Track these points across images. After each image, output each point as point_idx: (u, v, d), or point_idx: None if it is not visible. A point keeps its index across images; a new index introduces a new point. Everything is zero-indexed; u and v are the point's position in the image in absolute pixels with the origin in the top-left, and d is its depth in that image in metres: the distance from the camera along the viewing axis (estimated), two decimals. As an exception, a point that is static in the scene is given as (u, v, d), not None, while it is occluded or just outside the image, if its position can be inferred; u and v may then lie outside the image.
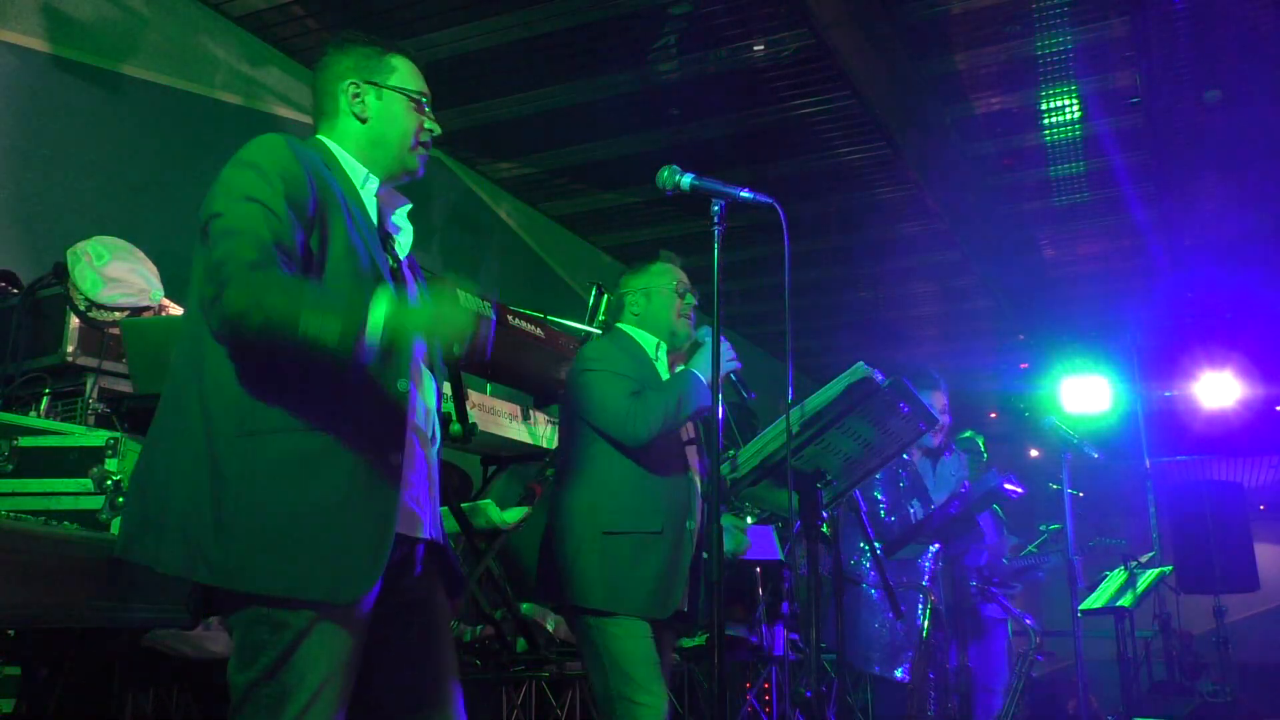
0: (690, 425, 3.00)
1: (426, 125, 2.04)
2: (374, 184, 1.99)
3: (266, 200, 1.76)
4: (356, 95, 2.00)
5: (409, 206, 2.09)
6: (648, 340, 3.02)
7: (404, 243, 2.06)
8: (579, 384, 2.91)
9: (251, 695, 1.72)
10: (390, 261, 1.95)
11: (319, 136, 2.03)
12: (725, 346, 2.83)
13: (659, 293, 3.03)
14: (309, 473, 1.73)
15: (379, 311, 1.68)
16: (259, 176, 1.80)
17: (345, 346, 1.66)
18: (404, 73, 2.03)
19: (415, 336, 1.79)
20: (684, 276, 3.08)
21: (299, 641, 1.70)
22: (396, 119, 2.01)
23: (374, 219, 1.96)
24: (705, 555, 2.77)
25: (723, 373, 2.82)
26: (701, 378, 2.82)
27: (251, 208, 1.75)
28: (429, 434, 1.96)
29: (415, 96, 2.02)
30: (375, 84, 2.00)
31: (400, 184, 2.08)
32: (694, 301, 3.06)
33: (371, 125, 2.00)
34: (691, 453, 2.97)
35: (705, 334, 2.98)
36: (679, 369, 2.97)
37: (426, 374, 1.98)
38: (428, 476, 1.94)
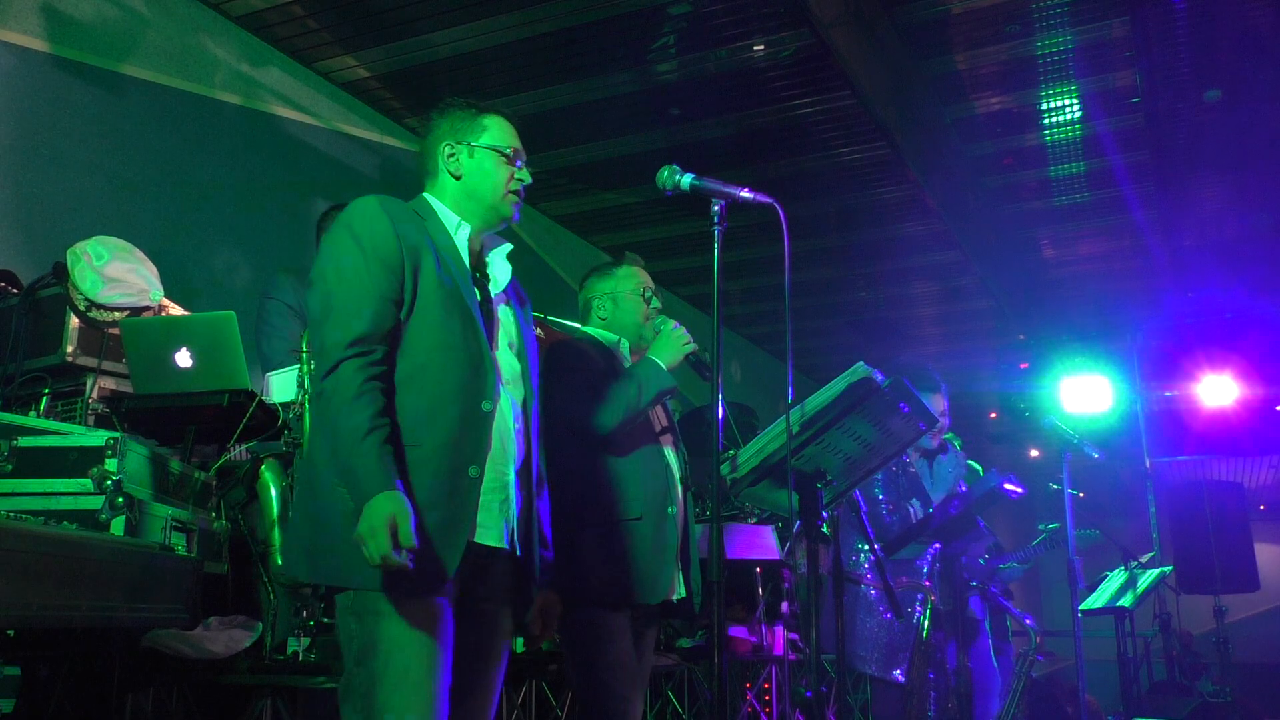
0: (663, 415, 3.03)
1: (517, 176, 2.27)
2: (466, 230, 2.24)
3: (357, 266, 2.07)
4: (452, 155, 2.27)
5: (508, 248, 2.35)
6: (610, 339, 3.03)
7: (499, 278, 2.29)
8: (549, 377, 2.91)
9: (347, 681, 1.97)
10: (479, 295, 2.19)
11: (424, 194, 2.30)
12: (680, 330, 2.92)
13: (626, 297, 3.05)
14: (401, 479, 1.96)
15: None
16: (351, 241, 2.09)
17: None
18: (495, 131, 2.28)
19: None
20: (649, 279, 3.11)
21: (381, 630, 1.94)
22: (488, 174, 2.26)
23: (465, 260, 2.20)
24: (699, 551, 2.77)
25: (678, 357, 2.89)
26: (660, 363, 2.86)
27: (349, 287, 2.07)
28: (508, 452, 2.16)
29: (505, 152, 2.26)
30: (468, 144, 2.26)
31: (498, 230, 2.33)
32: (659, 305, 3.09)
33: (465, 181, 2.26)
34: (666, 440, 2.98)
35: (660, 322, 3.01)
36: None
37: (507, 399, 2.17)
38: (505, 490, 2.13)
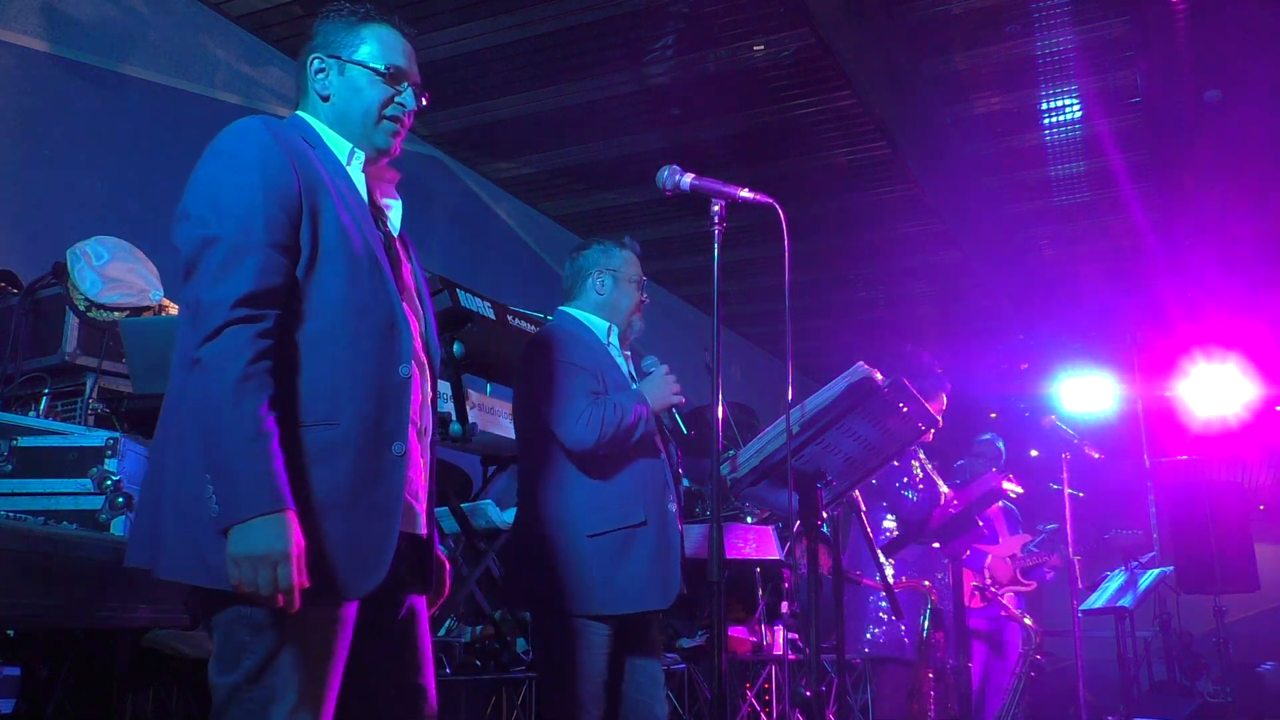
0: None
1: (398, 100, 1.91)
2: (360, 158, 1.90)
3: (250, 205, 1.71)
4: (320, 70, 1.91)
5: (397, 180, 2.02)
6: (599, 325, 2.94)
7: (395, 219, 1.98)
8: (533, 379, 2.81)
9: (234, 698, 1.64)
10: (383, 238, 1.88)
11: (298, 113, 1.94)
12: (670, 380, 2.86)
13: (625, 281, 2.97)
14: (310, 467, 1.69)
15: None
16: (237, 172, 1.73)
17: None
18: (373, 45, 1.92)
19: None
20: (641, 269, 3.05)
21: (284, 643, 1.65)
22: (358, 93, 1.90)
23: (364, 196, 1.89)
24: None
25: (664, 405, 2.84)
26: (649, 403, 2.79)
27: (236, 218, 1.71)
28: (424, 426, 1.90)
29: (381, 69, 1.90)
30: (339, 58, 1.90)
31: (381, 162, 1.97)
32: (647, 300, 3.04)
33: (333, 102, 1.91)
34: (659, 438, 2.91)
35: (652, 364, 2.95)
36: (633, 386, 2.90)
37: (423, 365, 1.90)
38: (424, 470, 1.90)
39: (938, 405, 4.36)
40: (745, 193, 2.37)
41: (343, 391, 1.74)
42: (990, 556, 5.06)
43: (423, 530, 1.90)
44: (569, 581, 2.67)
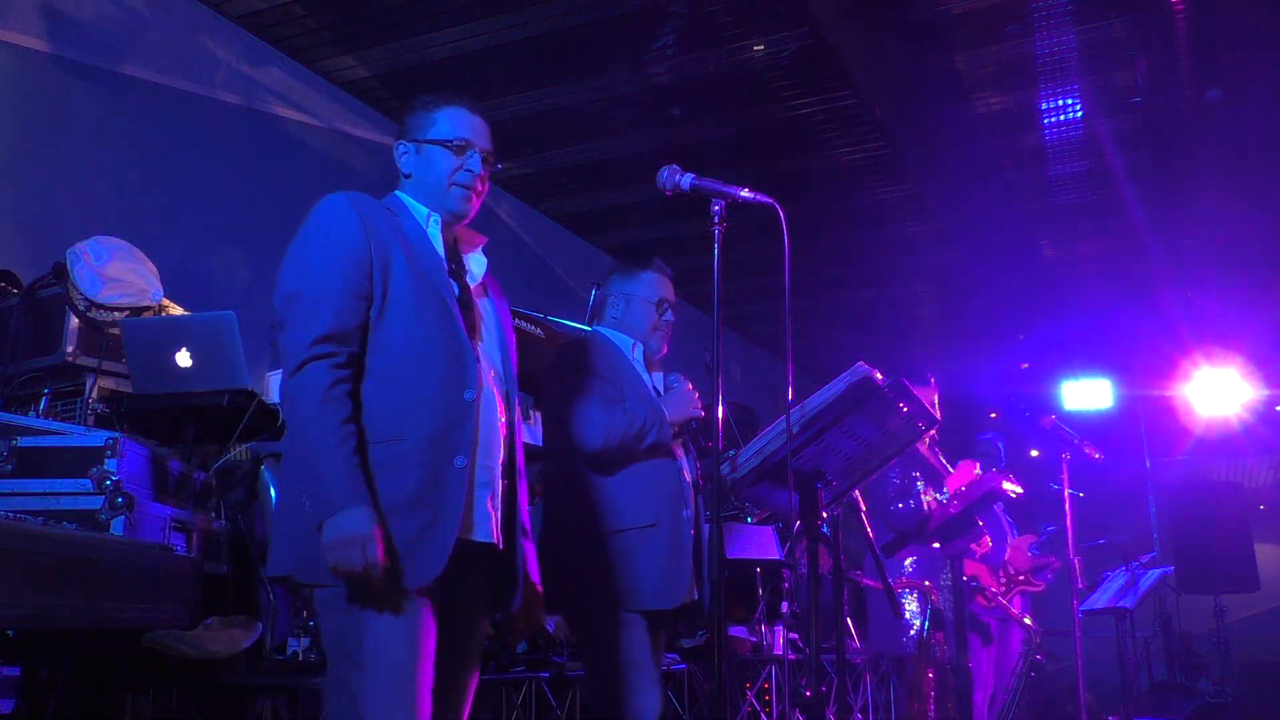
0: None
1: (466, 167, 2.20)
2: (437, 221, 2.20)
3: (324, 264, 2.05)
4: (404, 153, 2.25)
5: (483, 241, 2.32)
6: (624, 340, 3.03)
7: (475, 271, 2.26)
8: (558, 385, 2.93)
9: (334, 678, 1.97)
10: (456, 287, 2.16)
11: (395, 193, 2.26)
12: (691, 395, 2.96)
13: (639, 301, 3.05)
14: (381, 477, 1.97)
15: None
16: (314, 239, 2.08)
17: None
18: (444, 124, 2.22)
19: None
20: (669, 290, 3.09)
21: (367, 625, 1.92)
22: (431, 167, 2.21)
23: (439, 252, 2.17)
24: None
25: (683, 419, 2.92)
26: (666, 416, 2.87)
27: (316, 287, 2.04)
28: (491, 444, 2.13)
29: (450, 144, 2.20)
30: (416, 141, 2.22)
31: (459, 223, 2.26)
32: (671, 320, 3.08)
33: (415, 178, 2.23)
34: (677, 443, 2.98)
35: (675, 380, 3.03)
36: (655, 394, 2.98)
37: (489, 389, 2.15)
38: (491, 484, 2.11)
39: (928, 401, 4.37)
40: (745, 193, 2.37)
41: (409, 413, 2.02)
42: (1009, 550, 5.06)
43: (495, 539, 2.11)
44: (596, 577, 2.75)
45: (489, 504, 2.10)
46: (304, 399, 1.95)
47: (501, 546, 2.13)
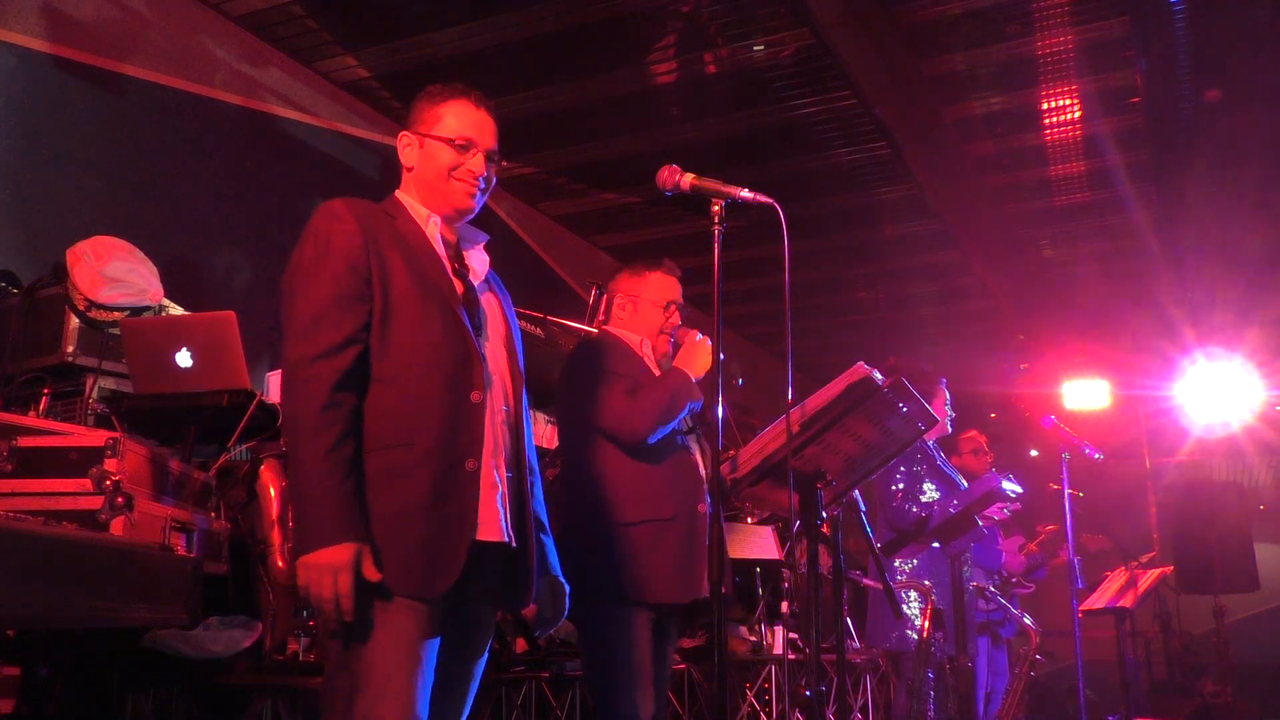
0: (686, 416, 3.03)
1: (468, 165, 2.16)
2: (437, 221, 2.17)
3: (321, 271, 2.01)
4: (407, 145, 2.22)
5: (485, 239, 2.29)
6: (633, 339, 3.04)
7: (477, 269, 2.23)
8: (575, 385, 2.94)
9: (330, 687, 1.93)
10: (458, 286, 2.14)
11: (394, 194, 2.23)
12: (705, 342, 2.93)
13: (646, 303, 3.05)
14: (392, 482, 1.96)
15: None
16: (311, 245, 2.05)
17: None
18: (450, 120, 2.19)
19: None
20: (678, 292, 3.09)
21: (364, 633, 1.89)
22: (432, 162, 2.17)
23: (439, 252, 2.14)
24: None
25: (705, 368, 2.89)
26: (690, 375, 2.87)
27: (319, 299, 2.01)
28: (500, 443, 2.12)
29: (454, 141, 2.16)
30: (420, 134, 2.19)
31: (460, 220, 2.23)
32: (679, 322, 3.08)
33: (416, 172, 2.20)
34: (690, 440, 2.99)
35: (686, 334, 3.02)
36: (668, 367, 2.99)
37: (497, 388, 2.13)
38: (500, 483, 2.09)
39: (940, 403, 4.36)
40: (745, 193, 2.37)
41: (417, 418, 2.00)
42: (1004, 554, 5.07)
43: (506, 537, 2.08)
44: (607, 568, 2.76)
45: (498, 502, 2.08)
46: (302, 415, 1.93)
47: (515, 544, 2.12)
